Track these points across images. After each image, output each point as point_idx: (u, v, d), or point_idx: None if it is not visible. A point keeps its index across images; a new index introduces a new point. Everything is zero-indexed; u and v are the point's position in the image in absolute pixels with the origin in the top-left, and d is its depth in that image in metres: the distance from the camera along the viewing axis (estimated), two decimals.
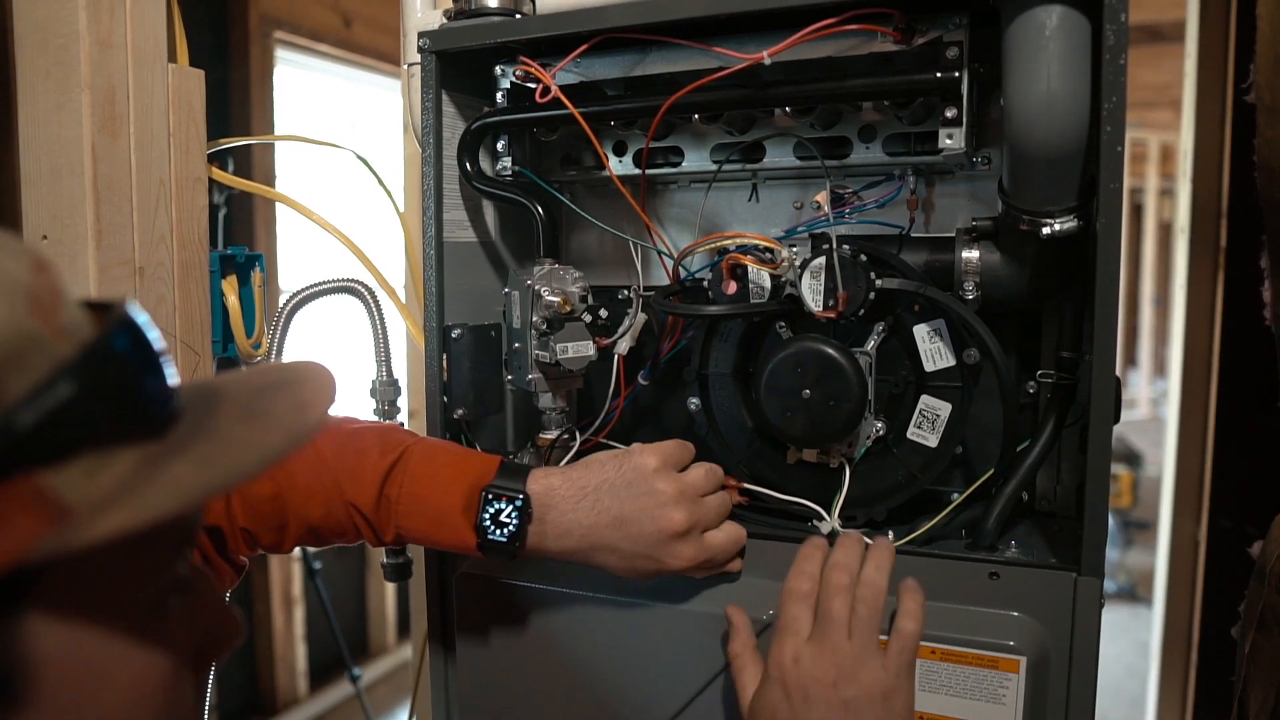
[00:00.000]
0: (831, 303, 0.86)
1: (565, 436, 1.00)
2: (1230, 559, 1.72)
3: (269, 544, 0.86)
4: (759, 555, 0.88)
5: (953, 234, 0.89)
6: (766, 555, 0.88)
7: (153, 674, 0.47)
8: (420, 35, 0.97)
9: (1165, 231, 7.79)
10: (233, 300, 1.17)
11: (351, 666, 2.96)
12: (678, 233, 1.08)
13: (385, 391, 1.16)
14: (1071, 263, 0.84)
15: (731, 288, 0.91)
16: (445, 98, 1.00)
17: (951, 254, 0.88)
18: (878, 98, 0.86)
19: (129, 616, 0.46)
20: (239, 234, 3.03)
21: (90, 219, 1.00)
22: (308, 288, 1.16)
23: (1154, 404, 7.92)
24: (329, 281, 1.16)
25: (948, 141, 0.84)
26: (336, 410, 0.90)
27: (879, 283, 0.86)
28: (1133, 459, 5.37)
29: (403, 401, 1.19)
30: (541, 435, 1.00)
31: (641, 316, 1.01)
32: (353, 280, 1.16)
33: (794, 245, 0.90)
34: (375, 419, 1.17)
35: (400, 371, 1.19)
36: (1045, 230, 0.79)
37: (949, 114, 0.83)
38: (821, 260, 0.86)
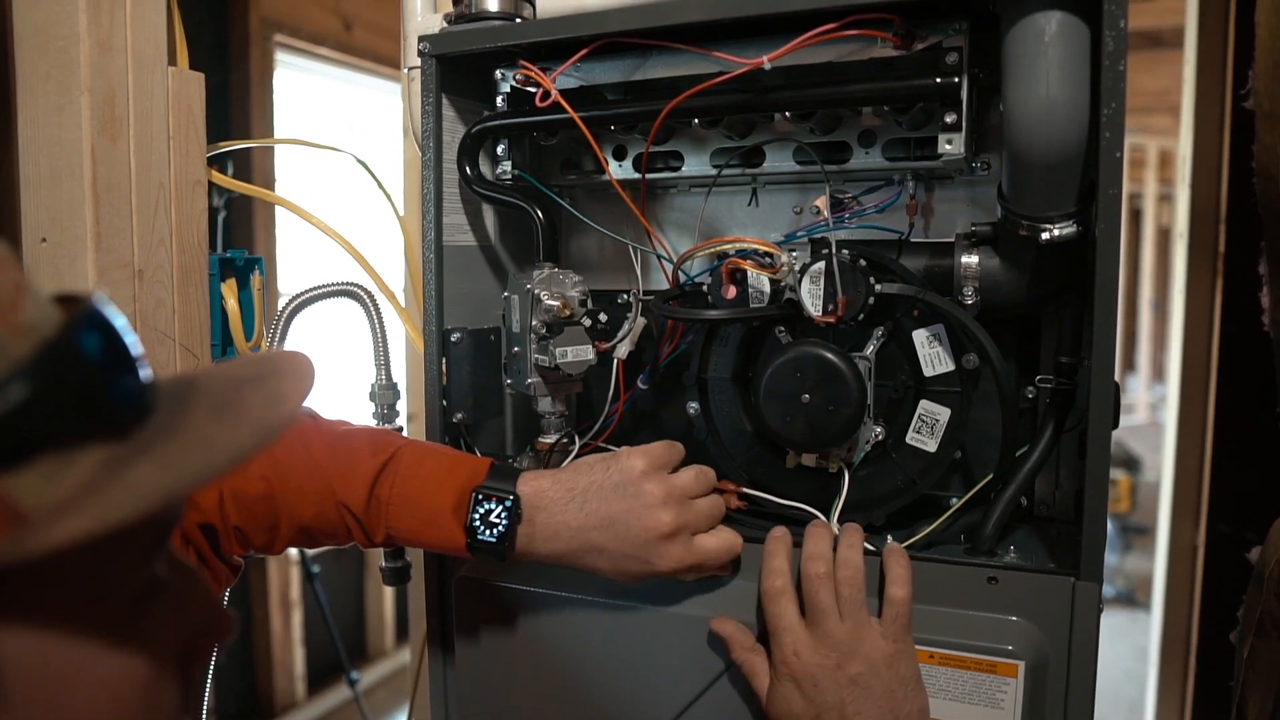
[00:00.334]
0: (831, 307, 0.86)
1: (564, 441, 1.00)
2: (1229, 564, 1.72)
3: (261, 544, 0.86)
4: (753, 559, 0.88)
5: (952, 239, 0.89)
6: (760, 558, 0.88)
7: (128, 677, 0.46)
8: (420, 39, 0.97)
9: (1164, 236, 7.80)
10: (232, 304, 1.17)
11: (350, 670, 2.96)
12: (677, 237, 1.08)
13: (384, 395, 1.16)
14: (1070, 268, 0.84)
15: (731, 292, 0.91)
16: (445, 101, 1.00)
17: (951, 259, 0.88)
18: (877, 103, 0.86)
19: (99, 620, 0.45)
20: (238, 237, 3.03)
21: (90, 222, 1.00)
22: (307, 291, 1.16)
23: (1153, 409, 7.92)
24: (328, 285, 1.16)
25: (947, 147, 0.84)
26: (327, 410, 0.91)
27: (878, 288, 0.86)
28: (1131, 464, 5.38)
29: (402, 405, 1.19)
30: (540, 439, 1.00)
31: (641, 321, 1.01)
32: (352, 284, 1.16)
33: (793, 250, 0.90)
34: (374, 423, 1.17)
35: (400, 375, 1.19)
36: (1044, 235, 0.79)
37: (948, 119, 0.83)
38: (821, 265, 0.86)
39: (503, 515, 0.82)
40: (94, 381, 0.42)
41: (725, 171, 0.98)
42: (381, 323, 1.17)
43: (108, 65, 1.01)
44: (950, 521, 0.89)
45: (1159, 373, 8.01)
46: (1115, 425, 0.78)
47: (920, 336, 0.89)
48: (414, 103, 1.09)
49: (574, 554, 0.83)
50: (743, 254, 0.90)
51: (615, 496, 0.82)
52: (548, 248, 0.98)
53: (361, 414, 1.14)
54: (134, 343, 0.44)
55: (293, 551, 3.14)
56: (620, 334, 1.00)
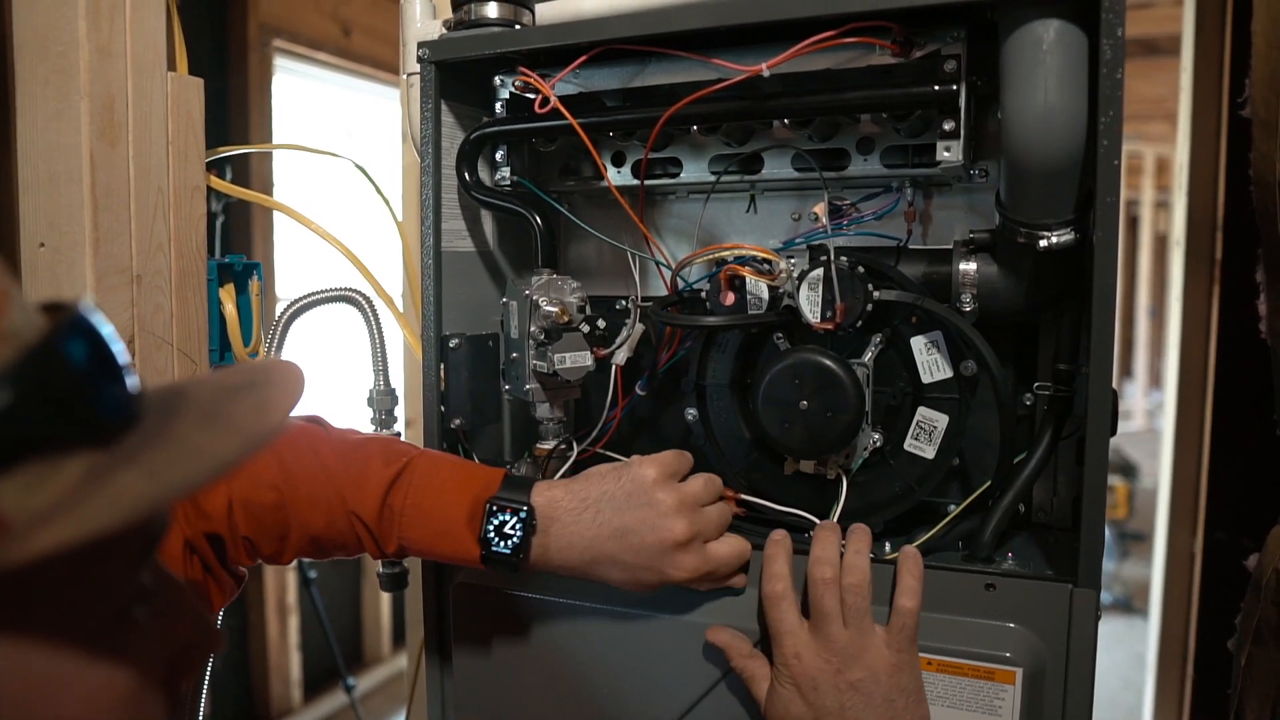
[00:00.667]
0: (829, 314, 0.86)
1: (562, 447, 1.00)
2: (1226, 571, 1.72)
3: (269, 554, 0.85)
4: (756, 566, 0.88)
5: (950, 246, 0.90)
6: (761, 564, 0.88)
7: (112, 690, 0.45)
8: (420, 45, 0.97)
9: (1161, 243, 7.81)
10: (230, 309, 1.17)
11: (346, 676, 2.95)
12: (676, 243, 1.08)
13: (382, 401, 1.16)
14: (1068, 275, 0.84)
15: (729, 299, 0.91)
16: (444, 107, 1.00)
17: (949, 266, 0.88)
18: (876, 110, 0.87)
19: (83, 631, 0.44)
20: (237, 242, 3.03)
21: (88, 227, 1.00)
22: (305, 297, 1.16)
23: (1150, 416, 7.93)
24: (327, 290, 1.16)
25: (945, 154, 0.84)
26: (327, 417, 0.91)
27: (876, 294, 0.86)
28: (1128, 470, 5.38)
29: (400, 411, 1.19)
30: (539, 445, 1.00)
31: (639, 327, 1.01)
32: (350, 289, 1.16)
33: (792, 257, 0.90)
34: (372, 428, 1.17)
35: (398, 381, 1.19)
36: (1042, 243, 0.80)
37: (947, 127, 0.83)
38: (819, 272, 0.86)
39: (517, 527, 0.81)
40: (78, 388, 0.41)
41: (724, 178, 0.98)
42: (380, 328, 1.17)
43: (107, 70, 1.01)
44: (948, 528, 0.89)
45: (1156, 380, 8.02)
46: (1113, 433, 0.78)
47: (918, 343, 0.89)
48: (413, 108, 1.09)
49: (587, 565, 0.83)
50: (741, 260, 0.90)
51: (628, 506, 0.82)
52: (546, 254, 0.98)
53: (359, 419, 1.14)
54: (120, 350, 0.43)
55: None
56: (619, 340, 1.00)
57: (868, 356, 0.90)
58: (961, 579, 0.83)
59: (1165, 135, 6.15)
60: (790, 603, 0.80)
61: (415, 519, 0.83)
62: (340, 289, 1.16)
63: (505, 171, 1.03)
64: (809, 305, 0.87)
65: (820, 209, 0.92)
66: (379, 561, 1.15)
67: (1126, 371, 8.61)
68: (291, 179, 3.32)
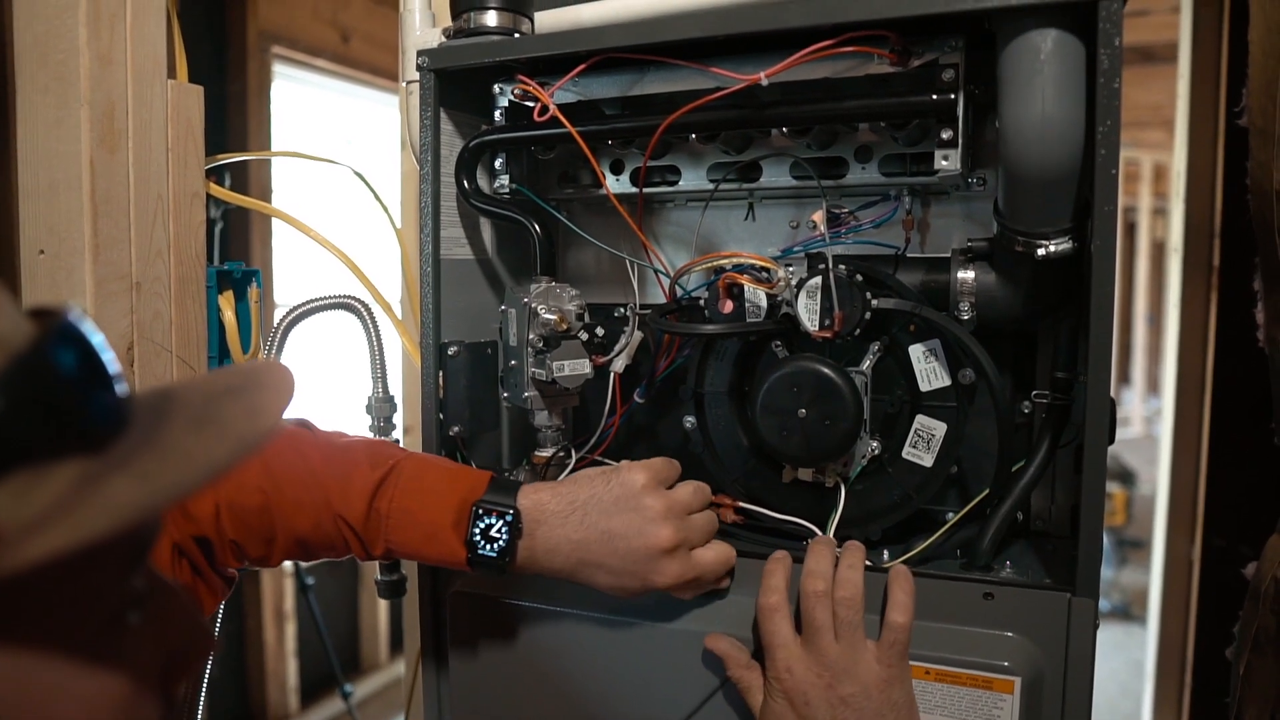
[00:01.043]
0: (827, 322, 0.86)
1: (561, 454, 1.00)
2: (1224, 579, 1.72)
3: (256, 556, 0.85)
4: (754, 574, 0.88)
5: (948, 254, 0.90)
6: (758, 573, 0.88)
7: (108, 695, 0.45)
8: (419, 53, 0.97)
9: (1158, 250, 7.82)
10: (229, 315, 1.17)
11: (343, 683, 2.95)
12: (674, 251, 1.08)
13: (381, 408, 1.16)
14: (1066, 283, 0.84)
15: (728, 307, 0.91)
16: (443, 115, 1.00)
17: (947, 274, 0.88)
18: (874, 119, 0.87)
19: (76, 638, 0.44)
20: (235, 249, 3.03)
21: (88, 233, 1.00)
22: (304, 303, 1.16)
23: (1148, 422, 7.93)
24: (325, 297, 1.16)
25: (943, 163, 0.84)
26: (324, 422, 0.91)
27: (875, 302, 0.86)
28: (1127, 477, 5.38)
29: (398, 418, 1.19)
30: (537, 453, 1.00)
31: (638, 335, 1.01)
32: (349, 296, 1.16)
33: (790, 265, 0.90)
34: (370, 435, 1.17)
35: (396, 388, 1.19)
36: (1040, 251, 0.80)
37: (945, 135, 0.83)
38: (818, 280, 0.86)
39: (503, 530, 0.81)
40: (67, 395, 0.41)
41: (722, 186, 0.98)
42: (378, 336, 1.17)
43: (107, 78, 1.01)
44: (946, 536, 0.89)
45: (1154, 386, 8.03)
46: (1111, 441, 0.78)
47: (916, 351, 0.89)
48: (412, 116, 1.09)
49: (574, 568, 0.83)
50: (739, 269, 0.90)
51: (616, 510, 0.82)
52: (545, 261, 0.98)
53: (358, 427, 1.14)
54: (107, 355, 0.43)
55: (287, 563, 3.13)
56: (617, 348, 1.00)
57: (866, 364, 0.90)
58: (959, 588, 0.83)
59: (1162, 142, 6.16)
60: (784, 616, 0.80)
61: (401, 522, 0.83)
62: (339, 296, 1.16)
63: (504, 179, 1.03)
64: (807, 313, 0.87)
65: (818, 217, 0.92)
66: (377, 569, 1.16)
67: (1124, 378, 8.62)
68: (290, 186, 3.32)
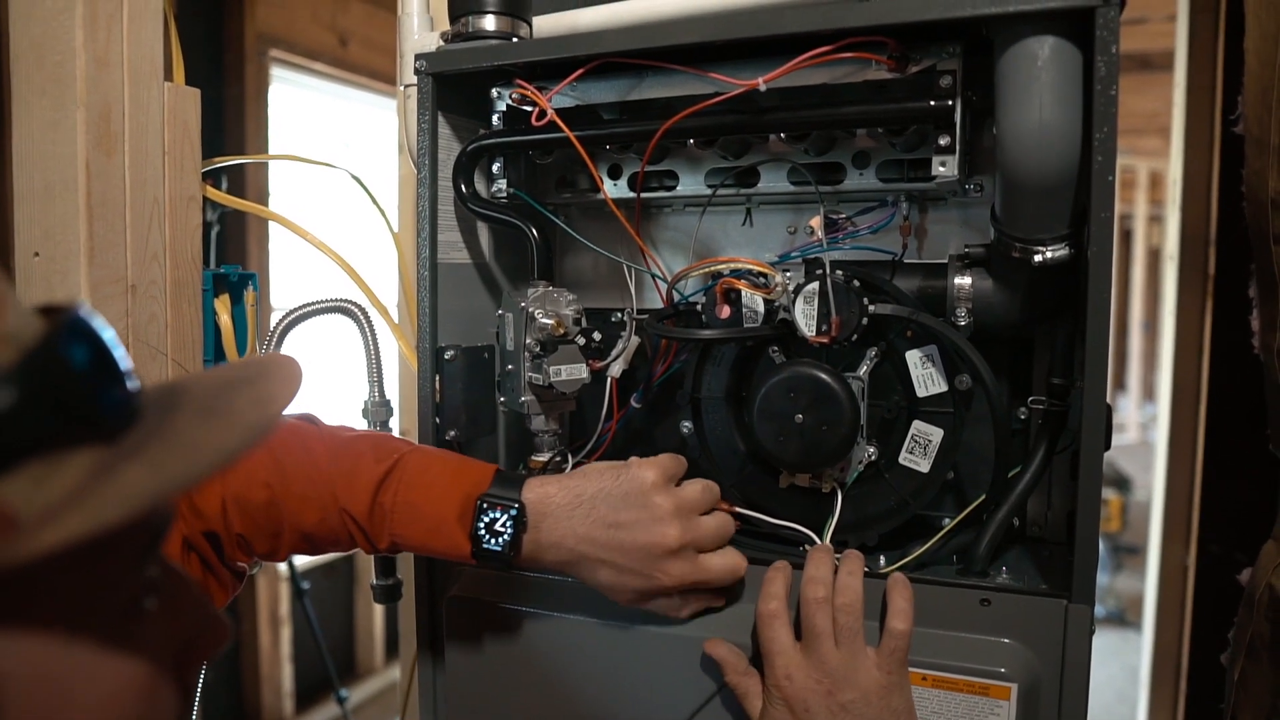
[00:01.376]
0: (825, 328, 0.86)
1: (557, 459, 1.00)
2: (1219, 585, 1.72)
3: (264, 551, 0.85)
4: (751, 580, 0.88)
5: (945, 260, 0.90)
6: (758, 579, 0.88)
7: (128, 682, 0.45)
8: (417, 57, 0.97)
9: (1154, 257, 7.85)
10: (225, 319, 1.16)
11: (339, 687, 2.94)
12: (672, 256, 1.08)
13: (377, 412, 1.16)
14: (1063, 289, 0.84)
15: (725, 312, 0.91)
16: (441, 119, 1.00)
17: (944, 280, 0.88)
18: (872, 125, 0.87)
19: (95, 624, 0.44)
20: (232, 253, 3.03)
21: (83, 236, 1.00)
22: (301, 307, 1.16)
23: (1143, 428, 7.95)
24: (322, 301, 1.16)
25: (941, 169, 0.84)
26: (310, 411, 0.91)
27: (872, 308, 0.86)
28: (1122, 484, 5.38)
29: (395, 422, 1.19)
30: (534, 457, 1.00)
31: (635, 340, 1.01)
32: (346, 300, 1.16)
33: (788, 270, 0.90)
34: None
35: (393, 392, 1.19)
36: (1037, 258, 0.80)
37: (942, 142, 0.83)
38: (815, 285, 0.86)
39: (508, 524, 0.81)
40: (79, 386, 0.42)
41: (720, 191, 0.98)
42: (375, 339, 1.17)
43: (103, 80, 1.01)
44: (943, 542, 0.89)
45: (1149, 392, 8.04)
46: (1107, 447, 0.78)
47: (913, 357, 0.89)
48: (410, 119, 1.09)
49: (578, 563, 0.83)
50: (737, 274, 0.90)
51: (623, 506, 0.82)
52: (542, 266, 0.98)
53: None
54: (119, 350, 0.44)
55: (282, 567, 3.12)
56: (614, 353, 1.00)
57: (863, 370, 0.90)
58: (956, 594, 0.82)
59: (1159, 150, 6.18)
60: (784, 622, 0.80)
61: (406, 516, 0.83)
62: (336, 300, 1.16)
63: (502, 183, 1.03)
64: (804, 319, 0.87)
65: (816, 223, 0.92)
66: (372, 573, 1.15)
67: (1120, 384, 8.64)
68: (287, 189, 3.32)
